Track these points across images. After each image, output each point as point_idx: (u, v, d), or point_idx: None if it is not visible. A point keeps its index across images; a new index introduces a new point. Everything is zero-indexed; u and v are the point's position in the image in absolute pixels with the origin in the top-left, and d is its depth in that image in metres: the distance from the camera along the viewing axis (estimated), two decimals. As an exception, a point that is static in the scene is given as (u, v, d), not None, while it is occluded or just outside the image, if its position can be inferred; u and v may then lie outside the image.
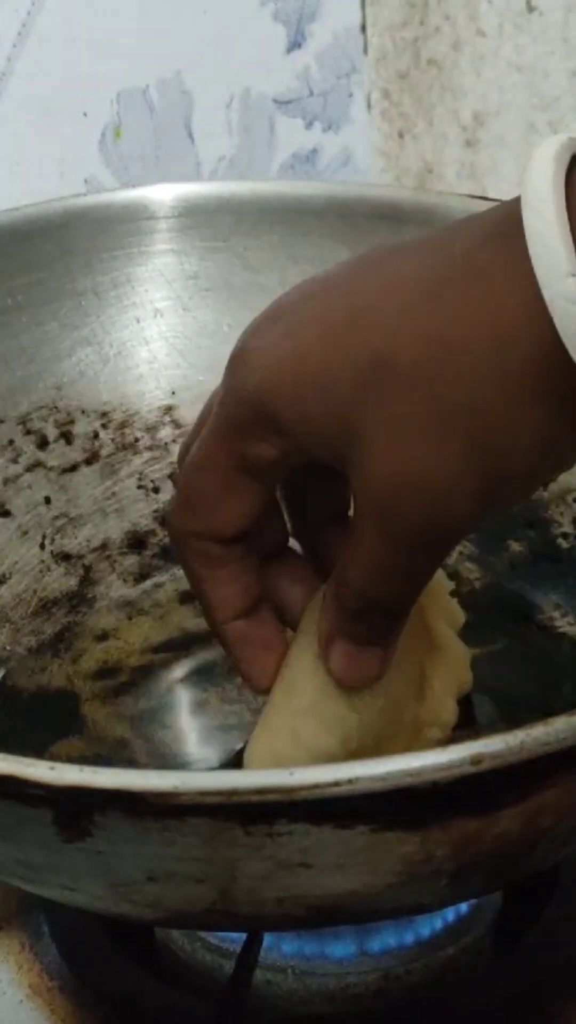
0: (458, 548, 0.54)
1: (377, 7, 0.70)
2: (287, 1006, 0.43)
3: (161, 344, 0.56)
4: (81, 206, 0.54)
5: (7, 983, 0.43)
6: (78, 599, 0.53)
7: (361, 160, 0.70)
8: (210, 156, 0.65)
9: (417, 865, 0.33)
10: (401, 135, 0.74)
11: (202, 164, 0.65)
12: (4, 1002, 0.42)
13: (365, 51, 0.69)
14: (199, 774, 0.31)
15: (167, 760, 0.48)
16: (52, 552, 0.53)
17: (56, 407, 0.54)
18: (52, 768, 0.29)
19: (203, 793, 0.29)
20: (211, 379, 0.57)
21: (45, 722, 0.48)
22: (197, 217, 0.55)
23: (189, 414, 0.57)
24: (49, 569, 0.53)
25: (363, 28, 0.68)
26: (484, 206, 0.55)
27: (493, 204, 0.54)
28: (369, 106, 0.70)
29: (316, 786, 0.29)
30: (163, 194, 0.55)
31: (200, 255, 0.56)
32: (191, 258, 0.56)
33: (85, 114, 0.61)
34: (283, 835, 0.31)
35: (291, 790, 0.29)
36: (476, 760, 0.30)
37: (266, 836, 0.31)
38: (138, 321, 0.56)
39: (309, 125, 0.68)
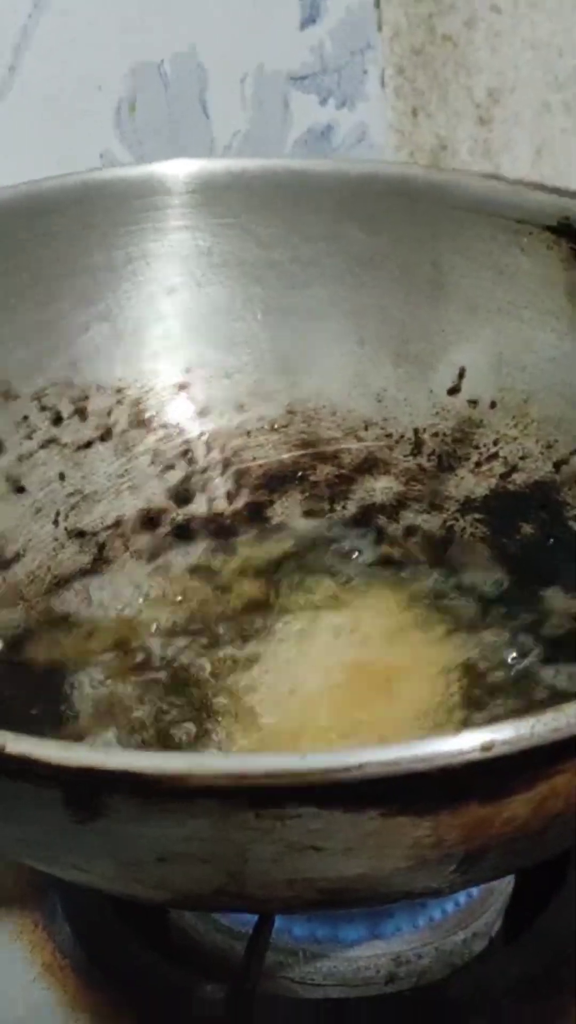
0: (470, 530, 0.54)
1: (393, -19, 0.70)
2: (298, 989, 0.43)
3: (175, 321, 0.56)
4: (98, 180, 0.54)
5: (20, 961, 0.43)
6: (92, 576, 0.53)
7: (376, 137, 0.69)
8: (225, 131, 0.64)
9: (427, 849, 0.33)
10: (415, 112, 0.73)
11: (216, 139, 0.64)
12: (17, 980, 0.42)
13: (379, 27, 0.68)
14: (209, 756, 0.31)
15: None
16: (66, 529, 0.53)
17: (71, 383, 0.54)
18: (62, 749, 0.29)
19: (213, 776, 0.29)
20: (224, 356, 0.58)
21: (59, 698, 0.48)
22: (210, 193, 0.55)
23: (203, 392, 0.56)
24: (63, 546, 0.53)
25: (377, 3, 0.68)
26: (499, 186, 0.56)
27: (506, 183, 0.55)
28: (383, 83, 0.69)
29: (326, 771, 0.29)
30: (178, 169, 0.55)
31: (213, 231, 0.55)
32: (204, 234, 0.55)
33: (100, 88, 0.61)
34: (293, 818, 0.31)
35: (301, 774, 0.29)
36: (487, 747, 0.30)
37: (276, 819, 0.31)
38: (153, 297, 0.55)
39: (323, 101, 0.67)
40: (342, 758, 0.29)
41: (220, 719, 0.46)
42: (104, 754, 0.29)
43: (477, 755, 0.30)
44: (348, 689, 0.46)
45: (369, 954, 0.43)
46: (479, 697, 0.47)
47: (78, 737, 0.45)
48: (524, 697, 0.46)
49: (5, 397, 0.52)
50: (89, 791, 0.30)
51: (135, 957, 0.43)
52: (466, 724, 0.45)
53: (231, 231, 0.55)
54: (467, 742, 0.30)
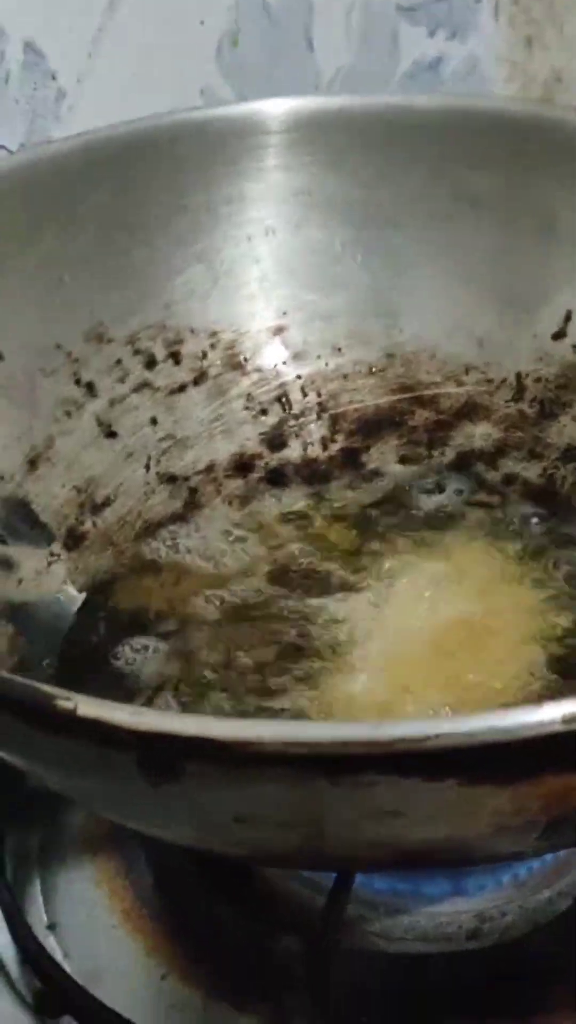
0: (571, 479, 0.53)
1: None
2: (380, 943, 0.43)
3: (272, 263, 0.55)
4: (193, 120, 0.53)
5: (100, 908, 0.43)
6: (183, 522, 0.52)
7: (487, 69, 0.68)
8: (329, 66, 0.63)
9: (508, 817, 0.32)
10: (529, 42, 0.71)
11: (321, 74, 0.63)
12: (96, 926, 0.43)
13: (494, -46, 0.66)
14: (283, 724, 0.31)
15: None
16: (158, 473, 0.53)
17: (165, 326, 0.53)
18: (135, 713, 0.29)
19: (286, 744, 0.29)
20: (321, 299, 0.57)
21: (145, 645, 0.47)
22: (309, 132, 0.54)
23: (299, 335, 0.55)
24: (154, 491, 0.53)
25: None
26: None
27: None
28: (496, 12, 0.67)
29: (403, 739, 0.29)
30: (276, 108, 0.53)
31: (312, 171, 0.54)
32: (303, 174, 0.54)
33: (202, 22, 0.59)
34: (370, 786, 0.30)
35: (376, 743, 0.29)
36: (568, 719, 0.29)
37: (352, 787, 0.30)
38: (249, 239, 0.54)
39: (432, 33, 0.65)
40: (418, 728, 0.29)
41: (315, 670, 0.45)
42: (176, 719, 0.29)
43: (558, 727, 0.29)
44: (443, 647, 0.45)
45: (452, 910, 0.43)
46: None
47: (162, 688, 0.45)
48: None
49: (99, 340, 0.52)
50: (163, 756, 0.30)
51: (214, 907, 0.43)
52: (554, 690, 0.44)
53: (331, 171, 0.54)
54: (547, 714, 0.29)
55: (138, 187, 0.52)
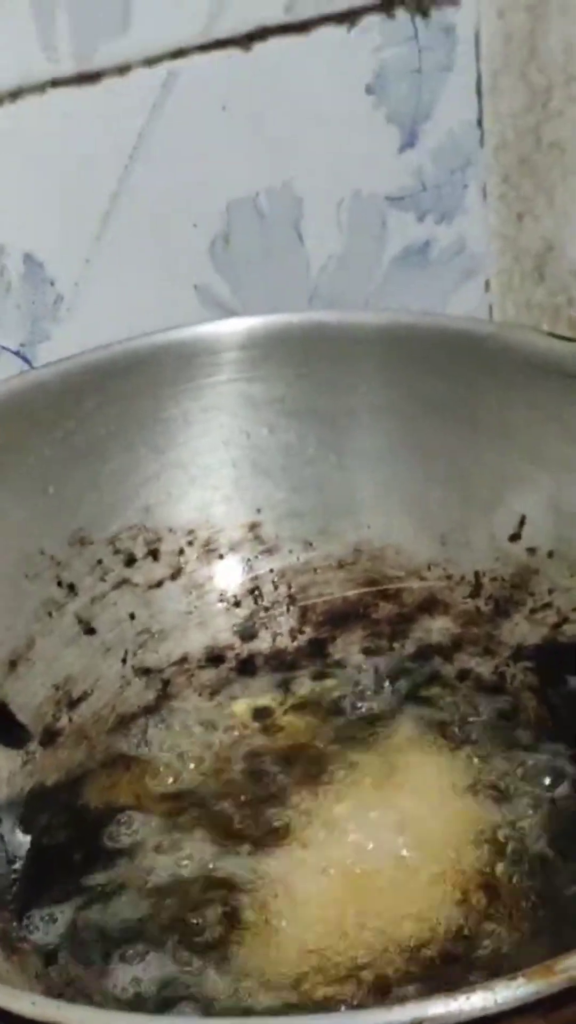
0: (520, 677, 0.56)
1: (496, 97, 0.71)
2: None
3: (247, 465, 0.59)
4: (169, 341, 0.57)
5: None
6: (154, 714, 0.56)
7: (475, 247, 0.71)
8: (319, 255, 0.67)
9: None
10: (520, 217, 0.74)
11: (312, 263, 0.67)
12: None
13: (481, 144, 0.69)
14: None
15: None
16: (133, 667, 0.57)
17: (144, 526, 0.58)
18: (33, 1003, 0.33)
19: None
20: (294, 497, 0.61)
21: (111, 846, 0.51)
22: (280, 345, 0.58)
23: (272, 531, 0.59)
24: (129, 684, 0.56)
25: (479, 122, 0.69)
26: (559, 345, 0.57)
27: (566, 342, 0.56)
28: (485, 194, 0.70)
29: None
30: (246, 325, 0.58)
31: (284, 381, 0.58)
32: (276, 384, 0.58)
33: (195, 225, 0.63)
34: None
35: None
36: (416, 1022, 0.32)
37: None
38: (226, 444, 0.58)
39: (421, 218, 0.69)
40: None
41: (247, 903, 0.48)
42: (69, 1009, 0.33)
43: (406, 1029, 0.33)
44: (364, 886, 0.48)
45: None
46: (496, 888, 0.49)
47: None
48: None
49: (82, 543, 0.56)
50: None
51: None
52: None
53: (300, 380, 0.58)
54: (398, 1016, 0.33)
55: (120, 401, 0.57)
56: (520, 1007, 0.32)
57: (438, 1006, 0.32)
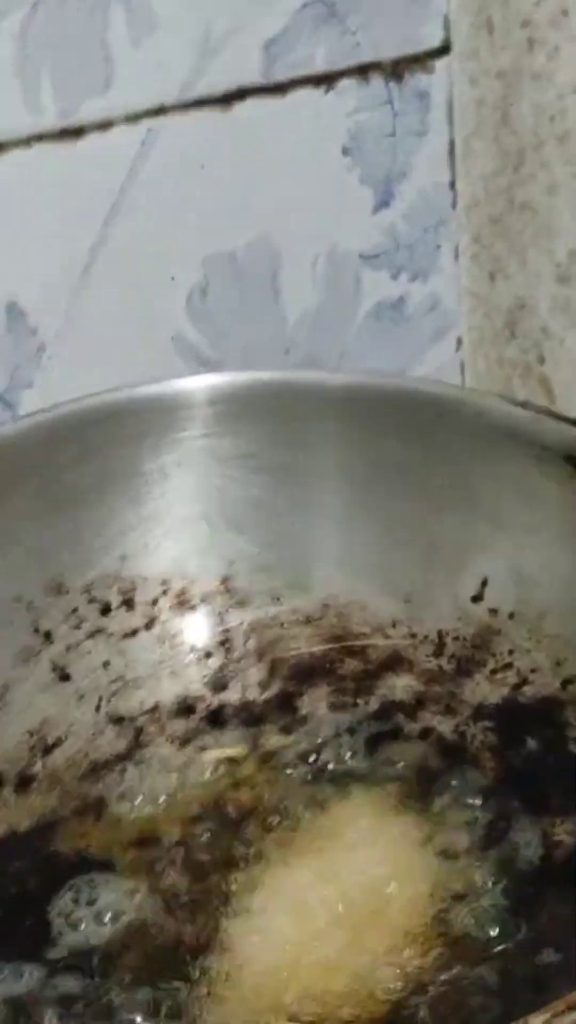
0: (480, 737, 0.58)
1: (470, 160, 0.73)
2: None
3: (220, 519, 0.60)
4: (147, 395, 0.58)
5: None
6: (126, 762, 0.58)
7: (448, 304, 0.73)
8: (295, 309, 0.68)
9: None
10: (492, 276, 0.76)
11: (287, 318, 0.68)
12: None
13: (454, 204, 0.71)
14: None
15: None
16: (107, 714, 0.58)
17: (120, 576, 0.59)
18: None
19: None
20: (267, 552, 0.62)
21: (80, 896, 0.53)
22: (255, 403, 0.59)
23: (245, 583, 0.61)
24: (102, 731, 0.58)
25: (452, 184, 0.71)
26: (519, 413, 0.58)
27: (527, 412, 0.58)
28: (457, 254, 0.72)
29: None
30: (220, 381, 0.59)
31: (257, 438, 0.59)
32: (249, 441, 0.59)
33: (173, 279, 0.65)
34: None
35: None
36: None
37: None
38: (200, 497, 0.60)
39: (395, 276, 0.71)
40: None
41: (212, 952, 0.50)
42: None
43: None
44: (339, 925, 0.50)
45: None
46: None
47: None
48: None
49: (57, 592, 0.57)
50: None
51: None
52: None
53: (273, 438, 0.60)
54: None
55: (98, 454, 0.58)
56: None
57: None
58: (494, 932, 0.50)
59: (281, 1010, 0.46)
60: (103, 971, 0.49)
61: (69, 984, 0.48)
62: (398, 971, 0.47)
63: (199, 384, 0.59)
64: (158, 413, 0.59)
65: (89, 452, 0.58)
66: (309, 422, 0.60)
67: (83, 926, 0.51)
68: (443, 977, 0.48)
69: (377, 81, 0.68)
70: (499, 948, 0.49)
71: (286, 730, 0.59)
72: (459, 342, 0.74)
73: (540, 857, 0.53)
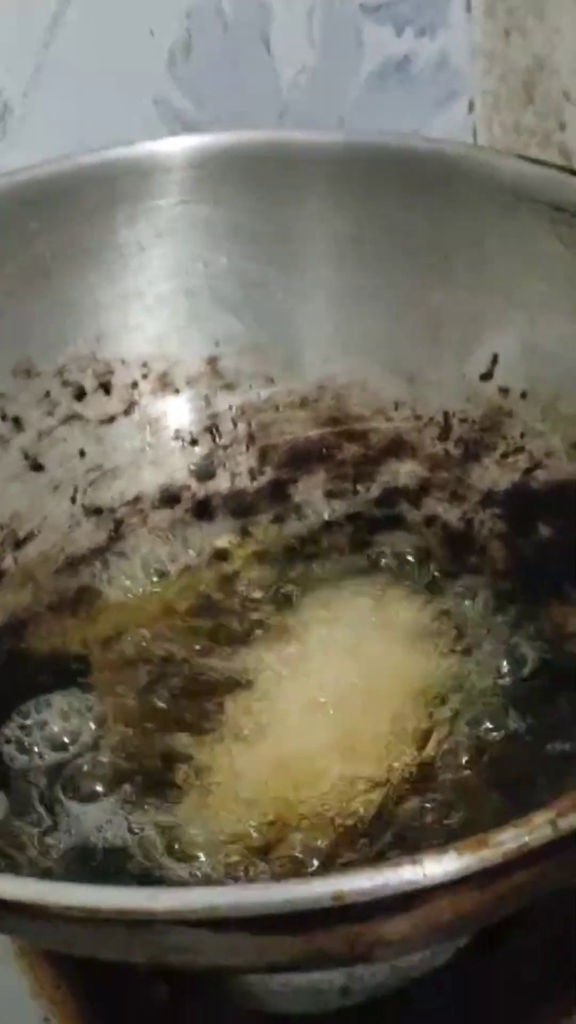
0: (488, 524, 0.54)
1: None
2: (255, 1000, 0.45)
3: (204, 295, 0.55)
4: (122, 157, 0.53)
5: None
6: (105, 555, 0.54)
7: (459, 64, 0.66)
8: (290, 69, 0.62)
9: (309, 952, 0.34)
10: (507, 32, 0.69)
11: (281, 77, 0.62)
12: None
13: (467, -52, 0.65)
14: (69, 889, 0.32)
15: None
16: (84, 506, 0.54)
17: (95, 358, 0.54)
18: None
19: (65, 908, 0.31)
20: (256, 330, 0.57)
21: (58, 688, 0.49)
22: (244, 167, 0.54)
23: (232, 364, 0.56)
24: (79, 524, 0.54)
25: None
26: (530, 169, 0.53)
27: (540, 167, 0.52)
28: (469, 6, 0.66)
29: (175, 912, 0.30)
30: (207, 142, 0.54)
31: (248, 206, 0.54)
32: (239, 210, 0.54)
33: (152, 33, 0.59)
34: (161, 934, 0.32)
35: (149, 913, 0.30)
36: (337, 896, 0.30)
37: (148, 934, 0.32)
38: (182, 272, 0.55)
39: (400, 31, 0.64)
40: (191, 899, 0.30)
41: (211, 729, 0.47)
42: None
43: (328, 903, 0.31)
44: (340, 705, 0.47)
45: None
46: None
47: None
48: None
49: (27, 375, 0.53)
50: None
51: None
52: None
53: (264, 205, 0.54)
54: (318, 889, 0.31)
55: (71, 223, 0.53)
56: (450, 882, 0.30)
57: (360, 880, 0.30)
58: (499, 725, 0.46)
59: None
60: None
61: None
62: (394, 764, 0.44)
63: (178, 146, 0.54)
64: (132, 177, 0.53)
65: (57, 223, 0.52)
66: (302, 186, 0.54)
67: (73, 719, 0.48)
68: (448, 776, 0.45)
69: None
70: (503, 739, 0.46)
71: (279, 519, 0.55)
72: (471, 106, 0.68)
73: (550, 650, 0.49)
